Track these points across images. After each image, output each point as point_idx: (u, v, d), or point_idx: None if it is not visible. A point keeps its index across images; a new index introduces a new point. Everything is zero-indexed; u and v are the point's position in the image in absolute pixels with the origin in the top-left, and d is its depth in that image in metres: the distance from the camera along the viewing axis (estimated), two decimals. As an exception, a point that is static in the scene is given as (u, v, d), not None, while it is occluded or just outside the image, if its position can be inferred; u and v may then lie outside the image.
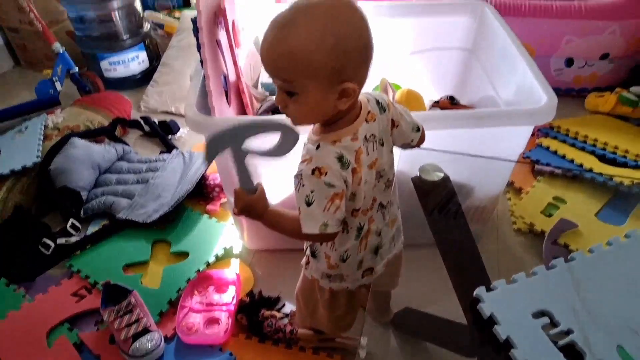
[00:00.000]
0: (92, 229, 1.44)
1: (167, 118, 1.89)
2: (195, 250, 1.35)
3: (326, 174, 0.68)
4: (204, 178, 1.50)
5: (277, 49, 0.64)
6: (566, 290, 0.76)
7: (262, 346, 1.12)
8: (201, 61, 1.03)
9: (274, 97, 1.00)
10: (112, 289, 1.17)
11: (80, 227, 1.44)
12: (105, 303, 1.14)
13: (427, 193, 0.96)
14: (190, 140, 1.82)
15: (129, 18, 2.11)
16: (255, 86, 1.38)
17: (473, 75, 1.51)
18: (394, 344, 1.15)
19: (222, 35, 1.11)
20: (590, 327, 0.70)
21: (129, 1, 2.08)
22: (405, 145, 0.85)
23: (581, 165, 1.52)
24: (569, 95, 1.92)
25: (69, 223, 1.42)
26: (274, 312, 1.16)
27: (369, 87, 1.38)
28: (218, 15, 1.10)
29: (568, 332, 0.69)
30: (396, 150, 0.82)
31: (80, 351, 1.12)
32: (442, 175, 0.96)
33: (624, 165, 1.51)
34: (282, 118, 0.74)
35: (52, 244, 1.36)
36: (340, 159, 0.69)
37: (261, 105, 1.29)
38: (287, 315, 1.16)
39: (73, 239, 1.38)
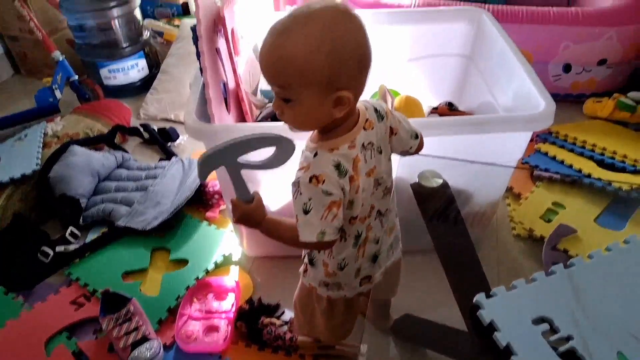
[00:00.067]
0: (91, 236, 1.43)
1: (167, 125, 1.89)
2: (195, 258, 1.34)
3: (324, 182, 0.68)
4: (203, 185, 1.51)
5: (273, 54, 0.65)
6: (566, 297, 0.76)
7: (262, 354, 1.12)
8: (201, 69, 1.04)
9: (272, 104, 1.01)
10: (111, 297, 1.16)
11: (79, 234, 1.44)
12: (104, 311, 1.14)
13: (426, 199, 0.97)
14: (190, 148, 1.82)
15: (129, 26, 2.12)
16: (255, 93, 1.39)
17: (471, 81, 1.52)
18: (393, 351, 1.14)
19: (221, 43, 1.12)
20: (590, 333, 0.70)
21: (129, 9, 2.09)
22: (404, 153, 0.85)
23: (580, 171, 1.53)
24: (567, 100, 1.93)
25: (68, 231, 1.42)
26: (274, 320, 1.16)
27: (368, 93, 1.38)
28: (217, 24, 1.10)
29: (568, 339, 0.70)
30: (395, 157, 0.83)
31: (78, 360, 1.12)
32: (441, 181, 0.96)
33: (623, 170, 1.51)
34: (277, 128, 0.74)
35: (51, 252, 1.36)
36: (337, 166, 0.69)
37: (260, 113, 1.30)
38: (286, 322, 1.16)
39: (72, 247, 1.38)
